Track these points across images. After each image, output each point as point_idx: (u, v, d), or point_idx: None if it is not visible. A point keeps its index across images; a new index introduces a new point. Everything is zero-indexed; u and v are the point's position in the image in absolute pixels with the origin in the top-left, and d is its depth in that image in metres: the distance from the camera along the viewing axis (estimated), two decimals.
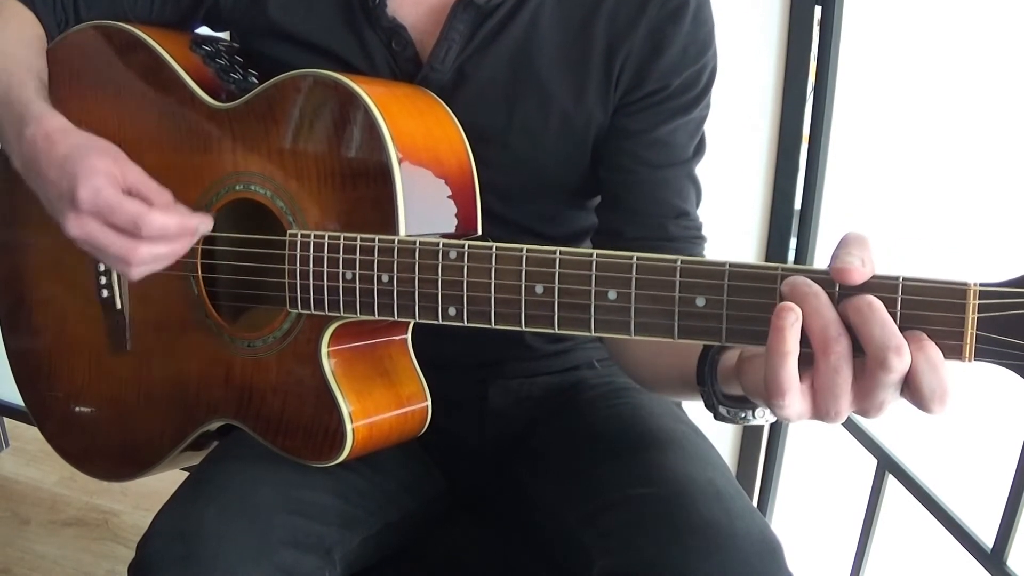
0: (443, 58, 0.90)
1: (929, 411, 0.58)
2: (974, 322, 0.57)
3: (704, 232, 0.96)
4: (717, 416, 0.74)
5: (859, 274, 0.58)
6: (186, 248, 0.83)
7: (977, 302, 0.57)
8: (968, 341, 0.57)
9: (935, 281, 0.58)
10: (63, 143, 0.82)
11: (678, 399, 1.04)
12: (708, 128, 0.96)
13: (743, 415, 0.72)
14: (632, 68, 0.89)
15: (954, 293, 0.57)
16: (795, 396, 0.59)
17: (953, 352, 0.58)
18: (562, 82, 0.90)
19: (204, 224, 0.84)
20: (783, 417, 0.61)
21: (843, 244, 0.59)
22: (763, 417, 0.72)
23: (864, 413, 0.60)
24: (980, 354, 0.57)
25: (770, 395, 0.59)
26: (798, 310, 0.58)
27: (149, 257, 0.80)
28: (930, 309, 0.58)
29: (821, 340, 0.58)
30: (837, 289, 0.59)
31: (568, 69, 0.90)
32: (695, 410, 1.07)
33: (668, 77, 0.90)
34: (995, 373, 0.59)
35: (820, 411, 0.60)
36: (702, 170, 0.96)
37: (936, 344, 0.57)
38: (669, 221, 0.92)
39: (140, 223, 0.78)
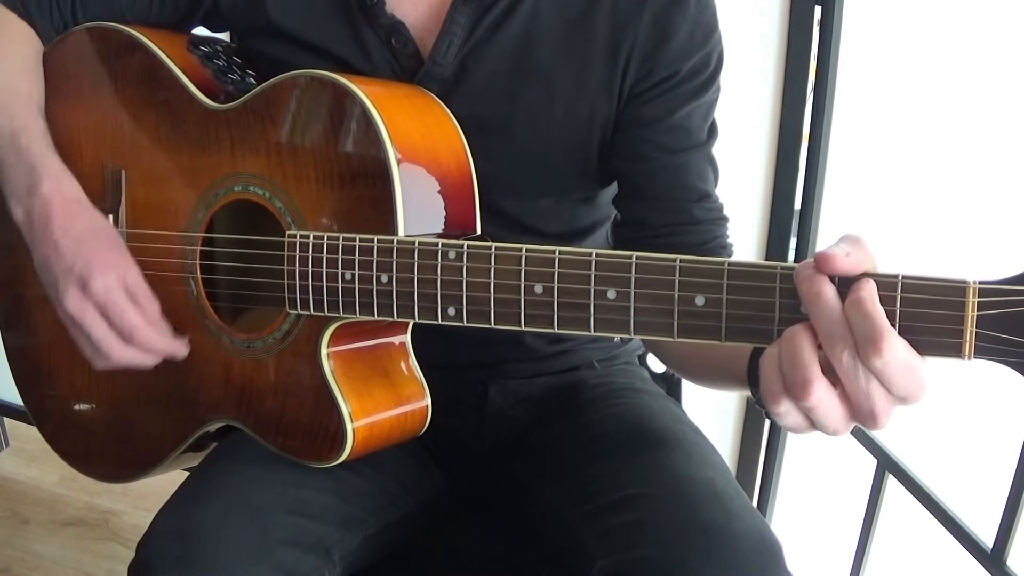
0: (445, 53, 0.90)
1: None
2: (974, 320, 0.57)
3: (726, 212, 0.96)
4: (770, 418, 0.75)
5: (840, 261, 0.58)
6: (154, 363, 0.88)
7: (976, 300, 0.57)
8: (968, 339, 0.57)
9: (934, 279, 0.58)
10: (80, 219, 0.87)
11: (726, 391, 1.05)
12: None
13: None
14: (639, 57, 0.89)
15: (953, 291, 0.57)
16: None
17: (953, 350, 0.58)
18: (565, 72, 0.90)
19: (181, 351, 0.89)
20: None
21: (836, 241, 0.60)
22: None
23: (859, 409, 0.60)
24: (980, 352, 0.57)
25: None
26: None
27: (125, 360, 0.86)
28: (930, 307, 0.58)
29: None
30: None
31: (570, 59, 0.90)
32: (695, 410, 1.07)
33: (678, 63, 0.90)
34: (995, 374, 0.59)
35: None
36: None
37: (935, 341, 0.58)
38: (693, 205, 0.92)
39: (134, 334, 0.85)
